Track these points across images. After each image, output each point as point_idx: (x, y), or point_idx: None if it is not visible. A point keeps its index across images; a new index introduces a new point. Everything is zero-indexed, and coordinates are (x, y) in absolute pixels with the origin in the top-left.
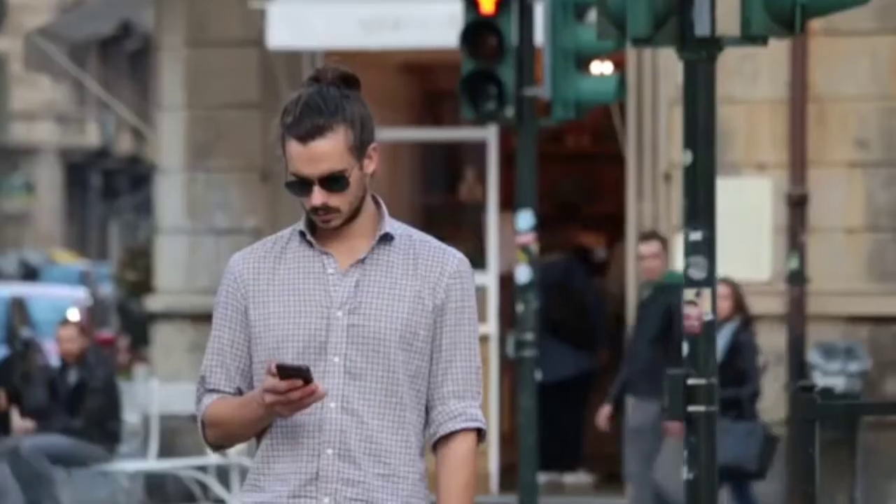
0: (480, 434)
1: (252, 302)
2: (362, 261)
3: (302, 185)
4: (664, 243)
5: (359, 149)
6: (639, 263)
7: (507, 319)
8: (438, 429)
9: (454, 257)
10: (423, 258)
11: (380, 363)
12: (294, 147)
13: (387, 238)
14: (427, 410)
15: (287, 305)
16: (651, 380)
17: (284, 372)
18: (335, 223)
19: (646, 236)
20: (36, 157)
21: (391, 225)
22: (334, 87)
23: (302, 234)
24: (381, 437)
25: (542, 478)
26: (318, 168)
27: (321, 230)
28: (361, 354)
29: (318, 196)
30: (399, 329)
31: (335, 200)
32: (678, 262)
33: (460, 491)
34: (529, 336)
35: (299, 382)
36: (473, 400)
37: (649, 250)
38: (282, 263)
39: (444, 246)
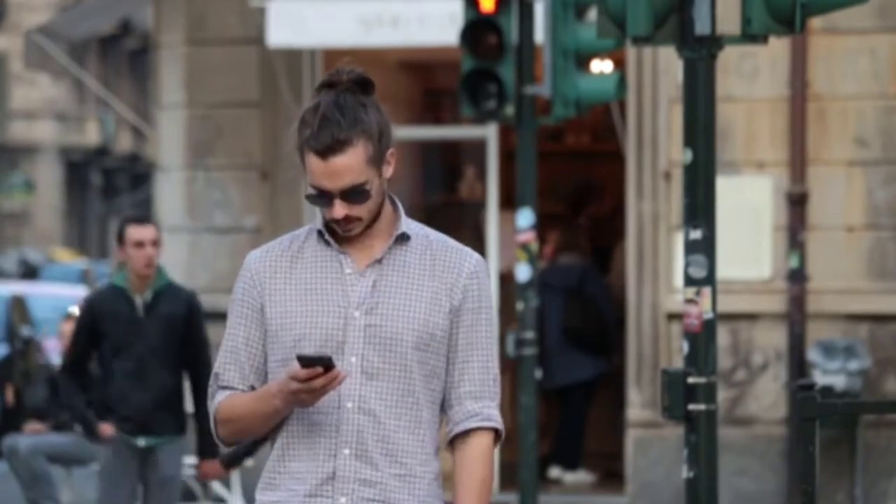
0: (497, 434)
1: (269, 300)
2: (379, 261)
3: (323, 197)
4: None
5: (378, 158)
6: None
7: (507, 318)
8: (455, 427)
9: (471, 258)
10: (441, 259)
11: (396, 363)
12: (314, 161)
13: (403, 238)
14: (444, 410)
15: (304, 305)
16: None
17: (305, 362)
18: (356, 231)
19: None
20: (36, 155)
21: (407, 225)
22: (351, 95)
23: (319, 233)
24: (398, 436)
25: (555, 472)
26: (339, 182)
27: None
28: (378, 354)
29: (339, 209)
30: (416, 329)
31: (356, 211)
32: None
33: (478, 486)
34: (529, 335)
35: (320, 370)
36: (490, 401)
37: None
38: (299, 262)
39: (460, 246)
